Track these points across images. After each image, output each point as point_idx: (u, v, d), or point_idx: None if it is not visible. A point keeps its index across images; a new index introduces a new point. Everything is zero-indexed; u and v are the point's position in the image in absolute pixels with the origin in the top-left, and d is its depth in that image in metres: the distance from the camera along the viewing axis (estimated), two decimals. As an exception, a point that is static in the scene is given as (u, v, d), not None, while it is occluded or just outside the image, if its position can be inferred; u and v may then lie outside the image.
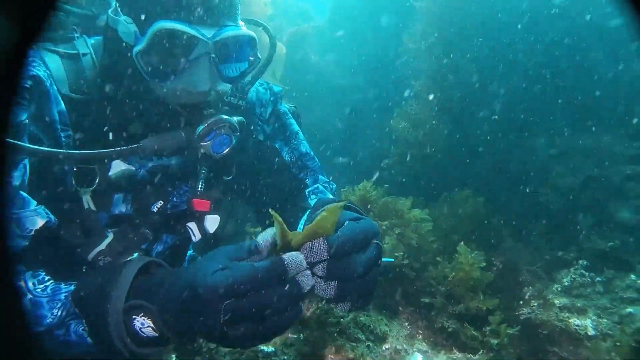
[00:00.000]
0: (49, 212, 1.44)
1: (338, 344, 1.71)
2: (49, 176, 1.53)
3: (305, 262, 1.02)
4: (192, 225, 1.77)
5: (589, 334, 2.01)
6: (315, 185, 2.04)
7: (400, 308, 2.28)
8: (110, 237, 1.60)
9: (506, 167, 3.53)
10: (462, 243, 2.41)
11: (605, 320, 2.11)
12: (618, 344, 1.93)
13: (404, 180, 4.03)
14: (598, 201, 2.83)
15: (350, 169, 5.12)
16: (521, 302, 2.33)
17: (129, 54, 1.44)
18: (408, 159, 4.14)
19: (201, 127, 1.53)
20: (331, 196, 1.92)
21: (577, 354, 1.96)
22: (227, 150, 1.65)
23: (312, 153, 2.15)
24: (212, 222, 1.80)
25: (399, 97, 4.78)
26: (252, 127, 2.03)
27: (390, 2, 5.63)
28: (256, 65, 1.71)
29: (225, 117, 1.57)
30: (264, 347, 1.73)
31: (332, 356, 1.67)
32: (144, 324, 1.21)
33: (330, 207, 1.05)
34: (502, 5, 3.79)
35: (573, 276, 2.52)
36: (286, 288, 1.01)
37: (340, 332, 1.80)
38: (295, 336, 1.78)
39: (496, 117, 3.59)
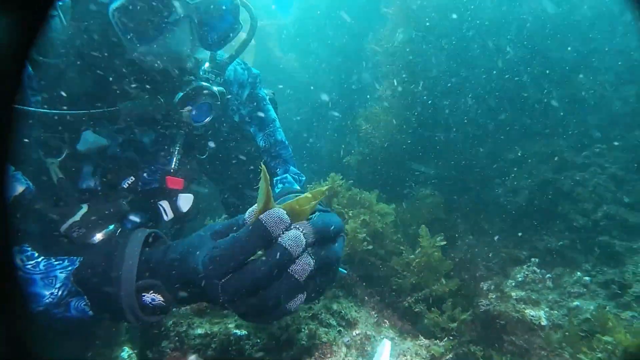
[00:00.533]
0: (27, 179, 1.37)
1: (311, 329, 1.70)
2: (16, 144, 1.40)
3: (286, 217, 1.00)
4: (165, 204, 1.71)
5: (542, 324, 2.14)
6: (284, 175, 2.01)
7: (365, 297, 2.32)
8: (84, 208, 1.51)
9: (467, 169, 3.69)
10: (423, 226, 2.50)
11: (555, 312, 2.27)
12: (567, 333, 2.07)
13: (368, 177, 4.11)
14: (551, 203, 3.02)
15: (311, 165, 5.15)
16: (479, 295, 2.44)
17: (103, 14, 1.35)
18: (370, 157, 4.23)
19: (181, 94, 1.48)
20: (298, 187, 1.91)
21: (532, 343, 2.08)
22: (207, 120, 1.59)
23: (286, 142, 2.14)
24: (186, 201, 1.74)
25: (363, 97, 4.87)
26: (228, 107, 1.98)
27: (354, 4, 5.72)
28: (237, 34, 1.66)
29: (205, 84, 1.52)
30: (236, 331, 1.70)
31: (306, 341, 1.66)
32: (154, 299, 1.20)
33: (315, 191, 1.05)
34: (465, 12, 3.96)
35: (526, 272, 2.68)
36: (276, 256, 0.98)
37: (313, 317, 1.80)
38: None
39: (464, 119, 3.76)
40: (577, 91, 3.42)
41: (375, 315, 2.12)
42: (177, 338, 1.67)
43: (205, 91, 1.51)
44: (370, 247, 2.45)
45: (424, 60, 4.07)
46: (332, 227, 1.11)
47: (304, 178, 2.08)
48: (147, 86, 1.48)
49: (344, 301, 2.05)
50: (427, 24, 4.05)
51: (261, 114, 2.14)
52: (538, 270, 2.66)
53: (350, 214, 2.62)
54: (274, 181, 2.00)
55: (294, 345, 1.64)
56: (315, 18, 6.40)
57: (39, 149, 1.47)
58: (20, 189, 1.35)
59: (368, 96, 4.68)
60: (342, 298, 2.09)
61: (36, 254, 1.32)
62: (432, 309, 2.27)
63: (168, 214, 1.71)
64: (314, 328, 1.71)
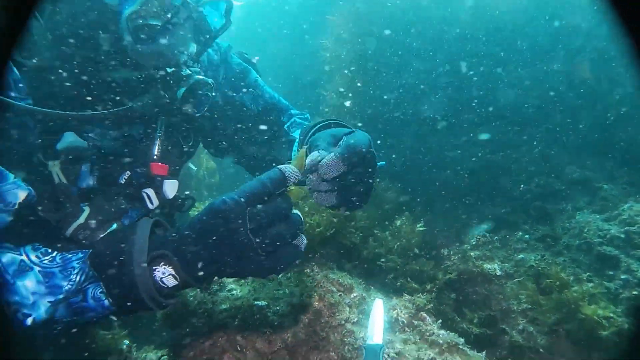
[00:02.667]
0: (27, 185, 1.37)
1: (319, 294, 2.01)
2: (16, 150, 1.44)
3: (297, 173, 1.19)
4: (149, 192, 1.71)
5: (497, 274, 2.60)
6: (292, 120, 2.08)
7: (352, 269, 2.66)
8: (87, 210, 1.56)
9: (420, 159, 4.13)
10: (407, 213, 2.87)
11: (506, 264, 2.75)
12: (518, 279, 2.56)
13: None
14: (493, 179, 3.54)
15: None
16: (444, 259, 2.87)
17: (106, 16, 1.40)
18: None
19: (183, 89, 1.54)
20: (308, 123, 1.99)
21: (491, 290, 2.53)
22: (206, 108, 1.65)
23: (277, 95, 2.17)
24: (171, 187, 1.74)
25: (311, 101, 5.07)
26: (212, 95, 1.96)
27: (302, 9, 5.98)
28: (227, 28, 1.68)
29: (202, 77, 1.58)
30: (257, 302, 1.96)
31: (317, 303, 1.96)
32: (165, 272, 1.23)
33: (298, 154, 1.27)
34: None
35: (478, 237, 3.16)
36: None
37: (318, 286, 2.10)
38: (282, 291, 2.05)
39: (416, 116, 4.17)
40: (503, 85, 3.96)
41: (363, 283, 2.47)
42: (205, 314, 1.91)
43: (204, 85, 1.57)
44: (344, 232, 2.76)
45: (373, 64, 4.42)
46: (362, 150, 1.23)
47: (307, 114, 2.12)
48: (144, 85, 1.51)
49: (338, 272, 2.37)
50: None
51: (243, 80, 2.12)
52: (487, 234, 3.16)
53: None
54: (285, 129, 2.03)
55: (308, 308, 1.94)
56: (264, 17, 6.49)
57: (39, 153, 1.47)
58: (22, 195, 1.35)
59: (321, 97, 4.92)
60: (336, 269, 2.41)
61: (49, 250, 1.35)
62: (408, 279, 2.67)
63: (153, 202, 1.71)
64: (322, 293, 2.01)
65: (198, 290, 2.09)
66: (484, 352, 2.03)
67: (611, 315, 2.03)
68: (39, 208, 1.49)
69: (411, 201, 3.86)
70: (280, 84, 5.96)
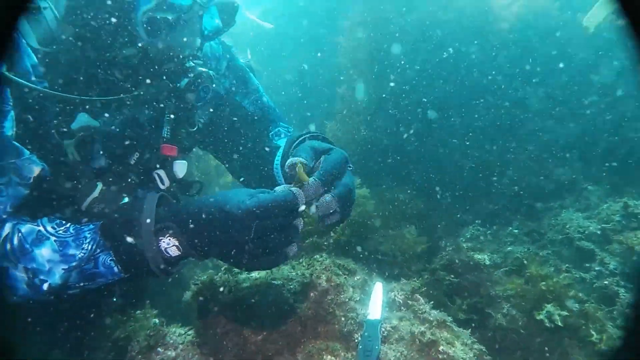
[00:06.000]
0: (42, 161, 1.46)
1: (327, 275, 2.33)
2: (33, 130, 1.53)
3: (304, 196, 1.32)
4: (161, 172, 1.79)
5: (486, 264, 2.91)
6: (277, 129, 2.17)
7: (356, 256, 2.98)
8: (100, 185, 1.65)
9: (422, 157, 4.41)
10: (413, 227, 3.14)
11: (495, 255, 3.05)
12: (505, 268, 2.86)
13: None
14: (486, 176, 3.83)
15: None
16: (440, 249, 3.18)
17: (122, 10, 1.49)
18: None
19: (186, 80, 1.65)
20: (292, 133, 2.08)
21: (481, 278, 2.83)
22: (208, 97, 1.75)
23: (272, 105, 2.26)
24: (181, 167, 1.83)
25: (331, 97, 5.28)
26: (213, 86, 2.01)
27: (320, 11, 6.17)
28: (231, 27, 1.76)
29: (204, 69, 1.69)
30: (273, 281, 2.29)
31: (325, 283, 2.28)
32: (169, 243, 1.32)
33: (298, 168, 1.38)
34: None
35: (472, 231, 3.46)
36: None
37: (326, 269, 2.42)
38: (295, 273, 2.37)
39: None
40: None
41: (366, 269, 2.79)
42: (229, 292, 2.24)
43: (205, 75, 1.67)
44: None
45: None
46: (339, 168, 1.38)
47: (291, 129, 2.21)
48: (150, 74, 1.61)
49: (343, 258, 2.69)
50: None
51: (244, 83, 2.21)
52: (481, 229, 3.46)
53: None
54: (270, 136, 2.12)
55: (317, 287, 2.26)
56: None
57: (54, 132, 1.55)
58: (37, 170, 1.42)
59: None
60: (342, 256, 2.73)
61: (64, 222, 1.44)
62: (405, 267, 2.99)
63: (165, 182, 1.79)
64: (329, 275, 2.33)
65: (222, 271, 2.42)
66: (469, 330, 2.34)
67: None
68: (55, 184, 1.57)
69: (415, 197, 4.16)
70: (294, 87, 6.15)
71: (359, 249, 3.08)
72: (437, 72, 4.29)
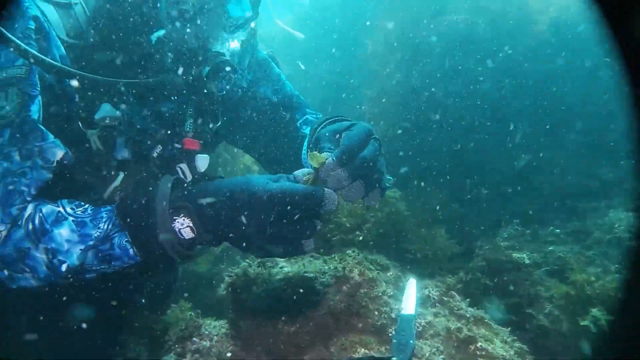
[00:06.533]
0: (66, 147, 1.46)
1: (360, 270, 2.31)
2: (59, 118, 1.55)
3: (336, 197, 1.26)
4: (183, 166, 1.79)
5: (526, 262, 2.80)
6: (305, 117, 2.14)
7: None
8: (122, 175, 1.65)
9: (457, 157, 4.32)
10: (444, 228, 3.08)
11: (535, 254, 2.93)
12: (547, 268, 2.74)
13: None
14: (525, 176, 3.71)
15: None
16: (476, 248, 3.09)
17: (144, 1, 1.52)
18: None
19: (208, 68, 1.62)
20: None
21: (519, 277, 2.73)
22: (228, 87, 1.72)
23: (296, 92, 2.22)
24: (203, 161, 1.83)
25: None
26: (234, 76, 1.99)
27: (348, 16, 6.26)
28: (254, 19, 1.75)
29: (227, 58, 1.66)
30: (307, 274, 2.29)
31: (357, 277, 2.26)
32: (183, 224, 1.30)
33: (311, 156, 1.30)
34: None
35: (510, 231, 3.34)
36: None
37: (359, 263, 2.40)
38: (327, 267, 2.37)
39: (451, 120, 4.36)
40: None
41: (399, 266, 2.74)
42: (263, 283, 2.26)
43: (227, 66, 1.65)
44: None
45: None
46: (360, 140, 1.28)
47: (320, 115, 2.17)
48: (180, 61, 1.61)
49: (376, 254, 2.66)
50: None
51: (267, 74, 2.20)
52: (520, 228, 3.34)
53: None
54: (297, 125, 2.08)
55: (350, 281, 2.24)
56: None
57: (78, 122, 1.57)
58: (60, 154, 1.42)
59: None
60: (375, 253, 2.71)
61: (83, 203, 1.43)
62: (440, 265, 2.92)
63: (187, 176, 1.78)
64: (362, 270, 2.31)
65: (256, 264, 2.45)
66: (509, 329, 2.25)
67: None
68: (78, 171, 1.59)
69: (450, 199, 4.07)
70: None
71: (391, 247, 3.05)
72: (474, 70, 4.21)
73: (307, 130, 2.03)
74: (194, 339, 2.29)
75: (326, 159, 1.27)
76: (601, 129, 3.74)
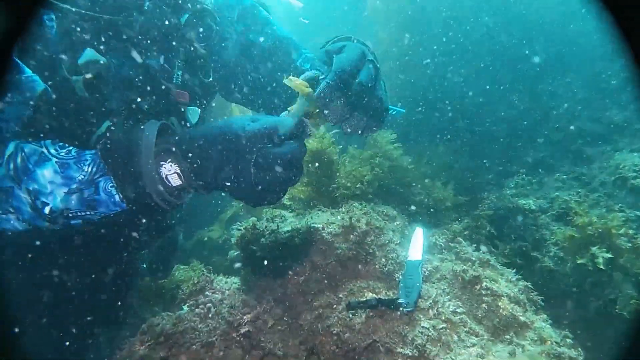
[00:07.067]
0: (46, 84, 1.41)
1: (367, 219, 2.34)
2: (41, 62, 1.47)
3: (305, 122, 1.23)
4: (173, 120, 1.76)
5: (532, 208, 2.81)
6: (303, 56, 2.05)
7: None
8: (108, 122, 1.61)
9: (461, 112, 4.26)
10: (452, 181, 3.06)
11: (541, 201, 2.94)
12: (553, 212, 2.75)
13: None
14: (531, 126, 3.67)
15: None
16: (483, 199, 3.10)
17: None
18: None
19: (187, 15, 1.59)
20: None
21: (525, 223, 2.75)
22: (210, 39, 1.69)
23: (289, 35, 2.14)
24: (193, 114, 1.81)
25: None
26: (224, 31, 1.99)
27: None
28: None
29: (207, 6, 1.63)
30: (313, 224, 2.32)
31: (365, 226, 2.29)
32: (170, 170, 1.26)
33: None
34: None
35: (517, 180, 3.34)
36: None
37: (365, 214, 2.43)
38: (334, 218, 2.39)
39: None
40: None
41: (405, 216, 2.77)
42: (272, 234, 2.30)
43: (207, 13, 1.62)
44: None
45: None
46: (353, 63, 1.23)
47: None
48: (156, 5, 1.56)
49: (382, 205, 2.69)
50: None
51: (256, 20, 2.13)
52: (526, 178, 3.33)
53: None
54: (298, 65, 2.00)
55: (357, 229, 2.28)
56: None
57: (62, 66, 1.49)
58: (39, 89, 1.36)
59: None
60: (381, 204, 2.73)
61: (67, 145, 1.37)
62: (446, 214, 2.94)
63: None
64: (369, 219, 2.34)
65: (264, 219, 2.48)
66: (514, 270, 2.28)
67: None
68: (62, 114, 1.52)
69: (454, 152, 4.05)
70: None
71: (396, 199, 3.06)
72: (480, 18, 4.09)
73: (307, 66, 1.97)
74: (207, 292, 2.35)
75: (307, 87, 1.23)
76: (606, 70, 3.66)
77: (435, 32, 4.25)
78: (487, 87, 3.87)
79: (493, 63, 4.06)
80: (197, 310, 2.15)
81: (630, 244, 2.22)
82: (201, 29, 1.65)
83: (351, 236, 2.25)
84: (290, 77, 1.24)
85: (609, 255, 2.23)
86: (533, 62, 3.87)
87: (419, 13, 4.23)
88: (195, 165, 1.26)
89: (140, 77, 1.70)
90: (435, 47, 4.23)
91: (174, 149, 1.27)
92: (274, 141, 1.21)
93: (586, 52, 3.84)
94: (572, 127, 3.51)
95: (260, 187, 1.24)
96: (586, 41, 3.81)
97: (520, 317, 1.92)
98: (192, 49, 1.69)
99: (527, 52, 3.96)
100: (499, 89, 3.94)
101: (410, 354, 1.73)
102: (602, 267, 2.21)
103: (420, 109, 4.06)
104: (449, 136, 4.07)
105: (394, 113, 1.52)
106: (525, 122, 3.67)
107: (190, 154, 1.26)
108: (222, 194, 1.38)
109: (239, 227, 2.36)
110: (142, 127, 1.31)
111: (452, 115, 4.31)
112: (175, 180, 1.28)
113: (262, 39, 2.05)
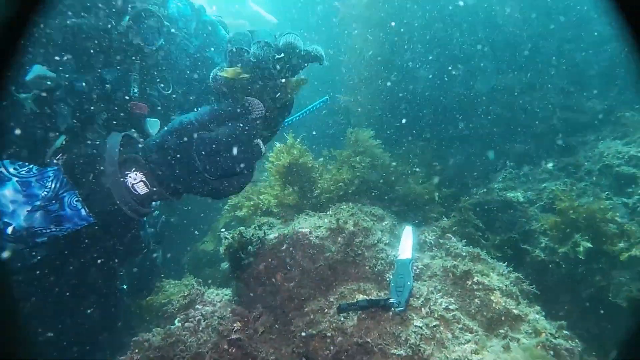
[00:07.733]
0: None
1: (355, 220, 2.31)
2: None
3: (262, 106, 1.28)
4: (132, 132, 1.71)
5: (520, 200, 2.81)
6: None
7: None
8: (63, 137, 1.60)
9: (443, 109, 4.26)
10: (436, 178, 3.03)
11: (529, 193, 2.93)
12: (541, 204, 2.75)
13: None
14: (515, 119, 3.68)
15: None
16: (471, 195, 3.09)
17: None
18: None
19: (127, 17, 1.58)
20: None
21: (514, 215, 2.74)
22: (159, 43, 1.68)
23: None
24: (153, 125, 1.80)
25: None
26: (179, 41, 2.00)
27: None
28: None
29: (150, 7, 1.61)
30: (302, 229, 2.29)
31: (352, 227, 2.27)
32: (136, 178, 1.28)
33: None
34: None
35: (504, 174, 3.34)
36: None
37: (352, 215, 2.41)
38: (322, 221, 2.37)
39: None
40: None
41: (394, 216, 2.75)
42: (259, 241, 2.26)
43: (150, 13, 1.61)
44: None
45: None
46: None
47: None
48: (92, 11, 1.56)
49: (369, 206, 2.67)
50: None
51: (215, 37, 2.17)
52: (513, 171, 3.33)
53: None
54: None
55: (344, 231, 2.25)
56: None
57: (10, 85, 1.47)
58: None
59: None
60: (368, 204, 2.71)
61: (27, 163, 1.37)
62: (434, 210, 2.92)
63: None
64: (357, 220, 2.32)
65: (251, 228, 2.45)
66: (505, 263, 2.27)
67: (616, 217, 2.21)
68: (18, 131, 1.51)
69: (439, 149, 4.03)
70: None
71: (382, 198, 3.03)
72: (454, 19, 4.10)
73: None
74: (197, 305, 2.31)
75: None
76: (584, 60, 3.68)
77: (412, 32, 4.25)
78: (471, 82, 3.87)
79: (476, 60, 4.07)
80: (186, 324, 2.11)
81: (617, 230, 2.22)
82: (145, 32, 1.64)
83: (339, 238, 2.23)
84: (224, 68, 1.28)
85: (589, 245, 2.23)
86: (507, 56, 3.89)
87: (394, 14, 4.23)
88: (156, 170, 1.27)
89: (96, 90, 1.67)
90: (412, 47, 4.23)
91: (137, 157, 1.27)
92: (209, 128, 1.23)
93: (565, 43, 3.87)
94: (554, 119, 3.52)
95: (213, 174, 1.24)
96: (564, 33, 3.83)
97: (514, 310, 1.90)
98: (142, 58, 1.69)
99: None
100: (482, 85, 3.95)
101: (404, 354, 1.70)
102: (581, 256, 2.20)
103: (403, 108, 4.05)
104: (431, 134, 4.06)
105: (320, 104, 1.53)
106: (508, 116, 3.67)
107: (151, 161, 1.26)
108: (209, 201, 1.39)
109: (226, 236, 2.33)
110: (104, 140, 1.32)
111: (434, 114, 4.31)
112: (142, 189, 1.29)
113: (221, 60, 2.04)
